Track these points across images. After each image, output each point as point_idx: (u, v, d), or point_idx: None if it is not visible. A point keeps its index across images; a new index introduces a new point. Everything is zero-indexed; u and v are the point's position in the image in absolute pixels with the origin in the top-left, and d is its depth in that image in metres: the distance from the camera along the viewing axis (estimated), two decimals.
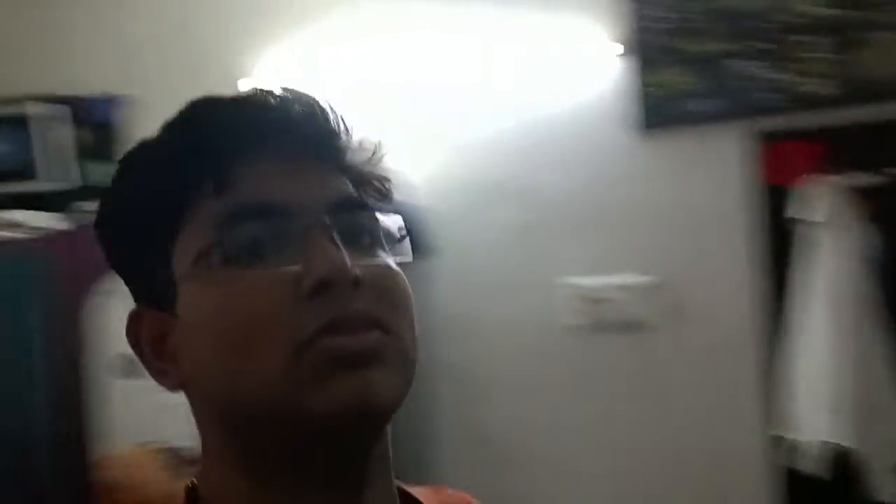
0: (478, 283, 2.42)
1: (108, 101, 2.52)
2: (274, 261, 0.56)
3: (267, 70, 2.44)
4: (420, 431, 2.30)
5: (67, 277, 2.01)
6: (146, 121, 2.45)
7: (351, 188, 0.61)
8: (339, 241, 0.56)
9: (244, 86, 2.33)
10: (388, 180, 0.64)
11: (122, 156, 0.63)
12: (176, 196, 0.58)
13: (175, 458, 1.93)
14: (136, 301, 0.62)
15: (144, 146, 0.62)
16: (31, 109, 2.40)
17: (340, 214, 0.58)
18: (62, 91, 2.48)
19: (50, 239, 2.10)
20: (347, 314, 0.55)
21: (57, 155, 2.43)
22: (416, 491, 0.67)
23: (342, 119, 0.61)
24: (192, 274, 0.57)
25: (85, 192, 2.40)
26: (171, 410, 1.89)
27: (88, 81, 2.51)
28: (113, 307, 1.97)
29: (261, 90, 0.61)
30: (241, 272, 0.56)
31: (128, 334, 0.61)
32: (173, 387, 0.60)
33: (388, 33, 2.41)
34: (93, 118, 2.51)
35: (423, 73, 2.39)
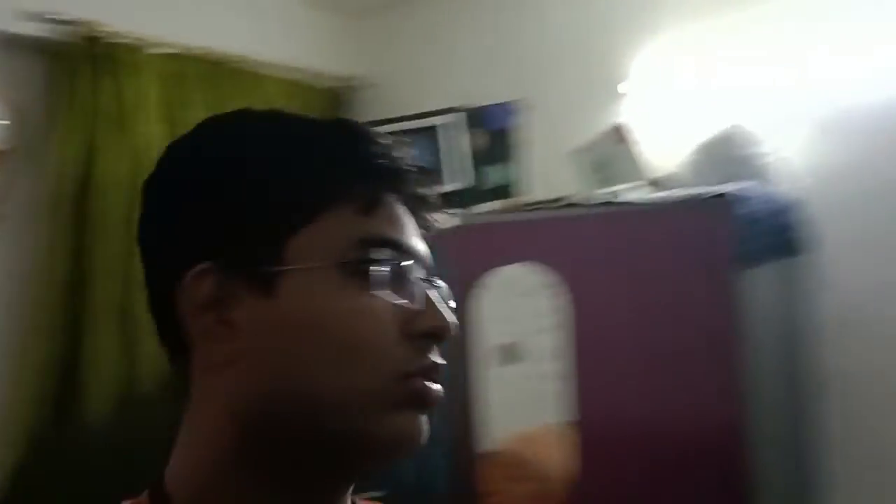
0: (866, 281, 2.16)
1: (503, 108, 2.72)
2: (393, 292, 0.60)
3: (646, 71, 2.45)
4: (800, 456, 2.11)
5: (459, 271, 2.19)
6: (536, 123, 2.62)
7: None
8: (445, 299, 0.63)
9: (623, 88, 2.42)
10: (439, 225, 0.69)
11: (265, 122, 0.65)
12: (325, 194, 0.61)
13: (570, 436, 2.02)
14: (189, 256, 0.60)
15: (294, 129, 0.64)
16: (439, 120, 2.76)
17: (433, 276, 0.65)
18: (462, 102, 2.76)
19: (447, 235, 2.29)
20: (436, 368, 0.61)
21: (458, 160, 2.74)
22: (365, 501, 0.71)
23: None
24: (321, 272, 0.59)
25: (478, 193, 2.66)
26: (545, 396, 2.00)
27: (484, 91, 2.74)
28: (488, 300, 2.12)
29: (387, 135, 0.65)
30: (372, 293, 0.59)
31: (189, 288, 0.59)
32: (224, 354, 0.59)
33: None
34: (488, 124, 2.74)
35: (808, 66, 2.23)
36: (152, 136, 2.32)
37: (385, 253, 0.61)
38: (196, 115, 2.35)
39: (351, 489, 0.64)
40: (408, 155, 0.65)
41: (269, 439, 0.59)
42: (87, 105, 2.24)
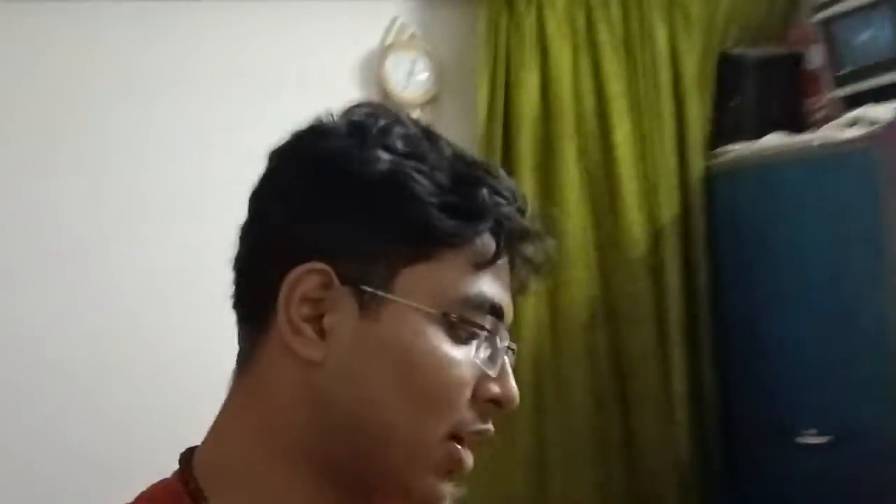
0: None
1: None
2: (475, 351, 0.62)
3: None
4: None
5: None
6: None
7: None
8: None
9: None
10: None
11: (433, 142, 0.65)
12: (452, 237, 0.61)
13: None
14: (306, 252, 0.60)
15: (441, 158, 0.63)
16: None
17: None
18: None
19: (881, 134, 1.92)
20: (488, 436, 0.63)
21: None
22: None
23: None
24: (425, 315, 0.60)
25: None
26: None
27: None
28: None
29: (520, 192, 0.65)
30: (463, 351, 0.61)
31: (294, 280, 0.59)
32: (309, 356, 0.59)
33: None
34: None
35: None
36: (562, 68, 2.34)
37: (484, 317, 0.62)
38: (602, 39, 2.33)
39: None
40: (533, 217, 0.66)
41: (318, 444, 0.61)
42: (503, 44, 2.31)
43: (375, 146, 0.61)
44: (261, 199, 0.65)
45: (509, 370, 0.64)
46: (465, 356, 0.61)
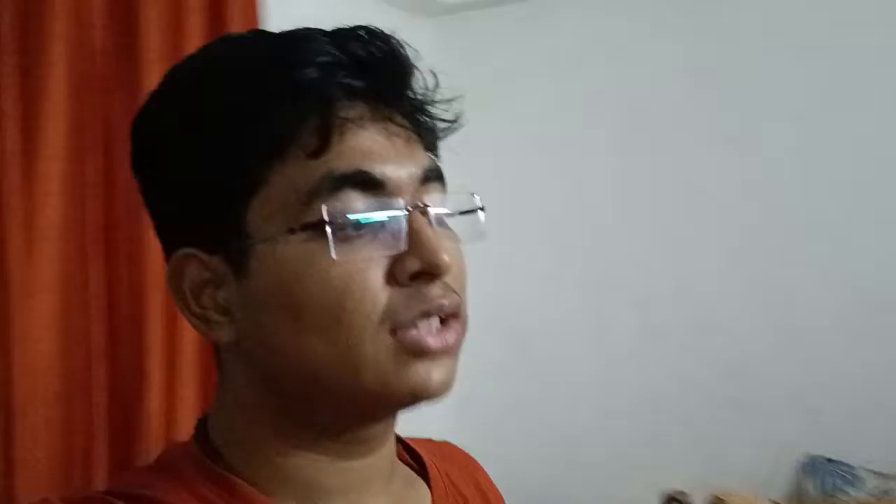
0: None
1: None
2: (370, 236, 0.54)
3: None
4: None
5: None
6: None
7: (431, 157, 0.59)
8: (435, 228, 0.56)
9: None
10: (454, 117, 0.61)
11: (201, 59, 0.59)
12: (260, 148, 0.54)
13: None
14: (174, 240, 0.59)
15: (232, 59, 0.57)
16: None
17: (427, 191, 0.58)
18: None
19: None
20: (439, 309, 0.56)
21: None
22: (413, 441, 0.71)
23: (415, 60, 0.59)
24: (282, 239, 0.54)
25: None
26: None
27: None
28: None
29: (345, 28, 0.57)
30: (342, 247, 0.53)
31: (172, 276, 0.58)
32: (222, 339, 0.58)
33: None
34: None
35: None
36: None
37: (345, 197, 0.54)
38: None
39: (393, 428, 0.63)
40: (369, 51, 0.56)
41: (293, 409, 0.59)
42: None
43: (166, 108, 0.59)
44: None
45: (423, 233, 0.55)
46: (346, 257, 0.54)
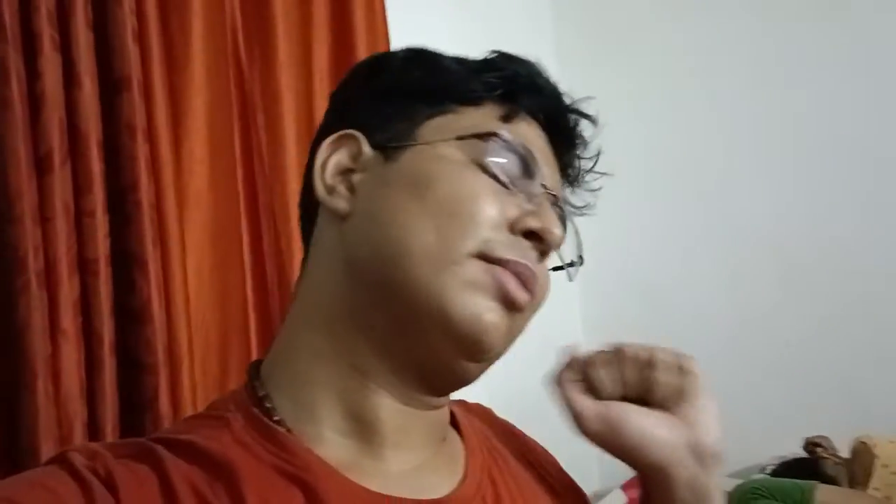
0: None
1: None
2: (511, 183, 0.63)
3: None
4: None
5: None
6: None
7: (563, 201, 0.70)
8: (561, 221, 0.65)
9: None
10: (589, 201, 0.71)
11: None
12: (468, 92, 0.66)
13: None
14: (342, 123, 0.67)
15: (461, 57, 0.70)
16: None
17: (559, 203, 0.67)
18: None
19: None
20: (526, 268, 0.61)
21: None
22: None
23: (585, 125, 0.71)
24: (445, 143, 0.63)
25: None
26: None
27: None
28: None
29: (526, 64, 0.69)
30: (488, 176, 0.62)
31: (330, 145, 0.66)
32: (340, 207, 0.63)
33: None
34: None
35: None
36: None
37: (510, 155, 0.63)
38: None
39: (447, 395, 0.67)
40: (561, 94, 0.70)
41: (374, 295, 0.61)
42: None
43: (398, 54, 0.71)
44: (325, 113, 0.73)
45: (551, 212, 0.64)
46: (487, 179, 0.62)
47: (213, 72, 1.47)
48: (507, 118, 0.66)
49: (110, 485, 0.53)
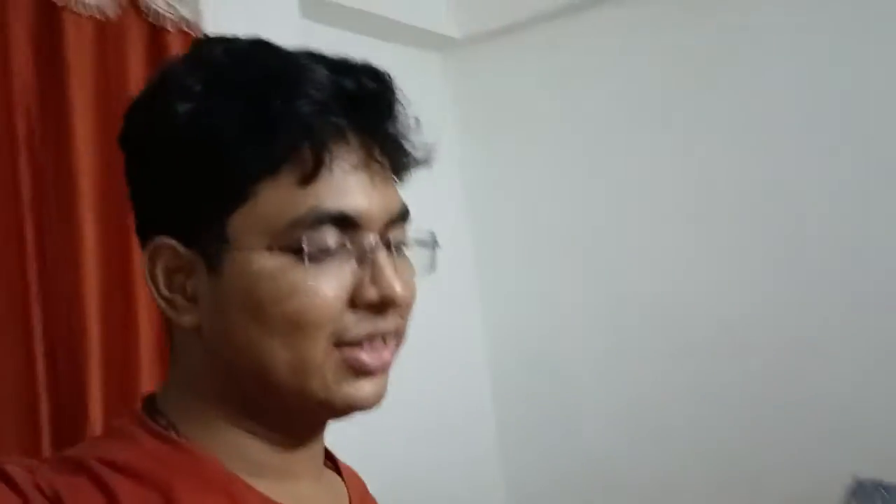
0: None
1: None
2: (339, 262, 0.61)
3: None
4: None
5: None
6: None
7: (400, 197, 0.66)
8: (394, 265, 0.63)
9: None
10: (427, 158, 0.67)
11: (202, 64, 0.63)
12: (253, 169, 0.59)
13: None
14: (152, 226, 0.63)
15: (234, 73, 0.61)
16: None
17: (393, 226, 0.64)
18: None
19: None
20: (383, 331, 0.63)
21: None
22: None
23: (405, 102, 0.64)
24: (260, 253, 0.60)
25: None
26: None
27: None
28: None
29: (340, 61, 0.63)
30: (313, 268, 0.60)
31: (148, 259, 0.63)
32: (186, 323, 0.63)
33: None
34: None
35: None
36: None
37: (324, 231, 0.60)
38: None
39: (324, 430, 0.70)
40: (362, 86, 0.62)
41: (244, 392, 0.64)
42: None
43: (169, 105, 0.61)
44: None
45: (384, 268, 0.62)
46: (314, 278, 0.60)
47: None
48: (308, 178, 0.60)
49: (56, 501, 0.55)
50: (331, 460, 0.77)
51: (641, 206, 2.35)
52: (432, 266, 0.69)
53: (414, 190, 0.69)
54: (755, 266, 2.20)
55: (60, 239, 1.42)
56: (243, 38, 0.65)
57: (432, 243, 0.69)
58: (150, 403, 0.67)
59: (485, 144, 2.59)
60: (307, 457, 0.69)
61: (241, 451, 0.65)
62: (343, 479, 0.76)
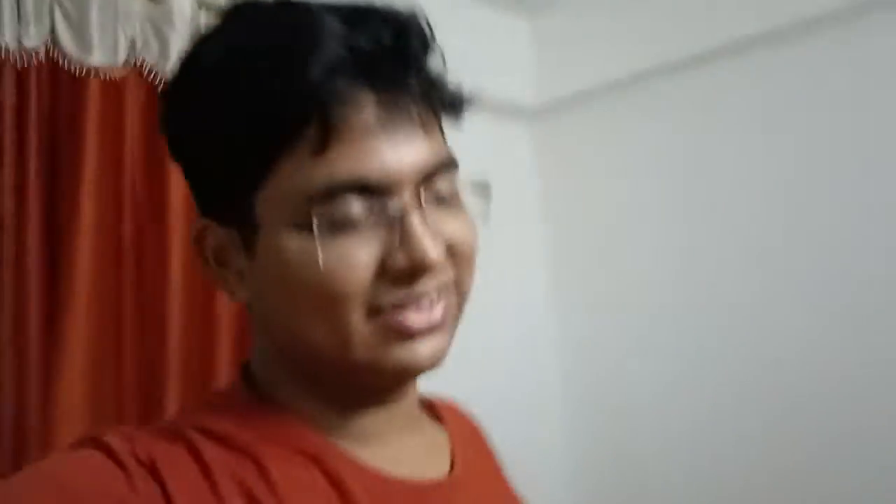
0: None
1: None
2: (366, 232, 0.58)
3: None
4: None
5: None
6: None
7: (438, 148, 0.61)
8: (428, 223, 0.58)
9: None
10: (462, 98, 0.63)
11: (224, 40, 0.61)
12: (268, 144, 0.57)
13: None
14: (202, 209, 0.64)
15: (237, 52, 0.59)
16: None
17: (431, 181, 0.60)
18: None
19: None
20: (419, 294, 0.59)
21: None
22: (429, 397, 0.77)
23: (430, 37, 0.61)
24: (284, 231, 0.58)
25: None
26: None
27: None
28: None
29: (357, 11, 0.59)
30: (336, 240, 0.57)
31: (195, 241, 0.64)
32: (239, 300, 0.64)
33: None
34: None
35: None
36: None
37: (345, 201, 0.57)
38: None
39: (405, 386, 0.67)
40: (378, 40, 0.58)
41: (304, 366, 0.64)
42: None
43: (187, 86, 0.62)
44: None
45: (414, 231, 0.58)
46: (339, 248, 0.57)
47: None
48: (319, 148, 0.57)
49: (153, 469, 0.55)
50: (430, 408, 0.76)
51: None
52: (486, 215, 0.65)
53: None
54: (826, 314, 2.06)
55: (152, 238, 1.60)
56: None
57: (486, 191, 0.66)
58: (246, 371, 0.68)
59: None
60: (393, 416, 0.67)
61: (327, 417, 0.64)
62: (444, 426, 0.75)
